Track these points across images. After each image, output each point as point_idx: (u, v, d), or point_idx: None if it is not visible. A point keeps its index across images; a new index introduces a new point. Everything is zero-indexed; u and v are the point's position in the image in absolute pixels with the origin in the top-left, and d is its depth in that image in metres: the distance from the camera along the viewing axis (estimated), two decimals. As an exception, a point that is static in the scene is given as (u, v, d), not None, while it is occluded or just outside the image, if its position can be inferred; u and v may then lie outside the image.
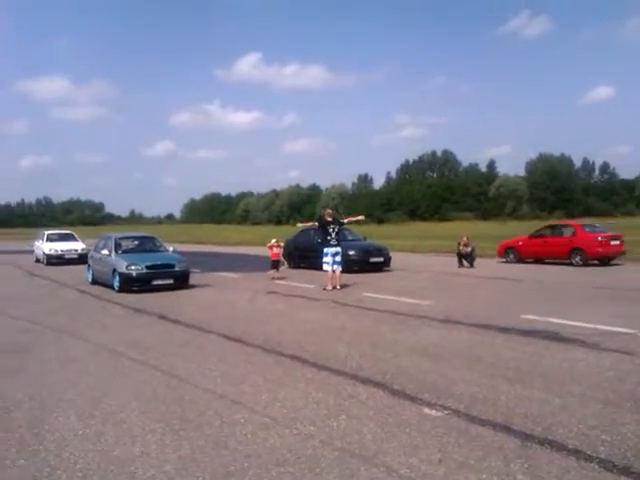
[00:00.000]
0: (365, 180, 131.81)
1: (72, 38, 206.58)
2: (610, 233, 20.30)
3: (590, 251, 19.12)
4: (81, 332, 9.00)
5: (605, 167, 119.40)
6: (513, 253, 21.48)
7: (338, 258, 14.14)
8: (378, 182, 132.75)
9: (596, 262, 19.39)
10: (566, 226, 22.03)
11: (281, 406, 5.09)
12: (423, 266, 20.60)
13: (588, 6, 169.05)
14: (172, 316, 10.37)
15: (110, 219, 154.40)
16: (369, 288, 13.82)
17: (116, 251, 15.19)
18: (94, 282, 16.08)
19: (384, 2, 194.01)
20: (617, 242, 19.58)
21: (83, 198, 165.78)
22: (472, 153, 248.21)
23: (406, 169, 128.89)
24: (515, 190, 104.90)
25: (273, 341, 7.89)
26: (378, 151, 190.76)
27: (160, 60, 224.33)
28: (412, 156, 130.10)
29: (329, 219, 14.38)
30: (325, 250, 14.15)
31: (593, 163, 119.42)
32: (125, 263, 14.25)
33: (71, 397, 5.52)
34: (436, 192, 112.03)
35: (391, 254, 19.53)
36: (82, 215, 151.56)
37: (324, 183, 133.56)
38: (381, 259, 18.87)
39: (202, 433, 4.46)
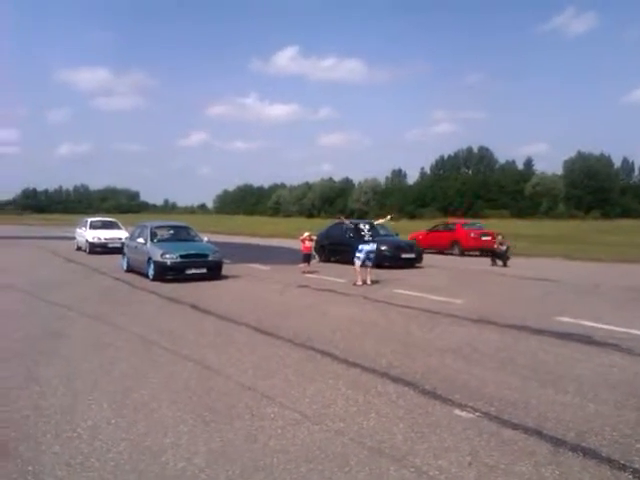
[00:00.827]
0: (399, 175, 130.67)
1: (113, 31, 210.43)
2: (483, 230, 25.27)
3: (464, 244, 24.37)
4: (114, 319, 9.17)
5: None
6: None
7: (372, 255, 14.18)
8: (412, 177, 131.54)
9: (477, 253, 23.97)
10: (451, 224, 27.32)
11: (311, 401, 5.10)
12: (455, 263, 20.40)
13: (636, 4, 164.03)
14: (203, 306, 10.48)
15: (145, 207, 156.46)
16: (399, 284, 13.74)
17: (151, 240, 15.34)
18: (129, 270, 16.30)
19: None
20: (488, 238, 23.25)
21: (119, 186, 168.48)
22: (509, 150, 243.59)
23: (441, 165, 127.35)
24: (551, 189, 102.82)
25: (303, 335, 7.91)
26: (413, 146, 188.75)
27: (199, 53, 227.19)
28: (447, 152, 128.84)
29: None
30: (360, 246, 14.15)
31: (633, 163, 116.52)
32: (160, 252, 14.38)
33: (104, 385, 5.63)
34: (470, 189, 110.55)
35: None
36: (118, 203, 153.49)
37: (357, 177, 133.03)
38: (413, 255, 18.85)
39: (232, 426, 4.50)
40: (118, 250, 22.14)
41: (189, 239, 16.31)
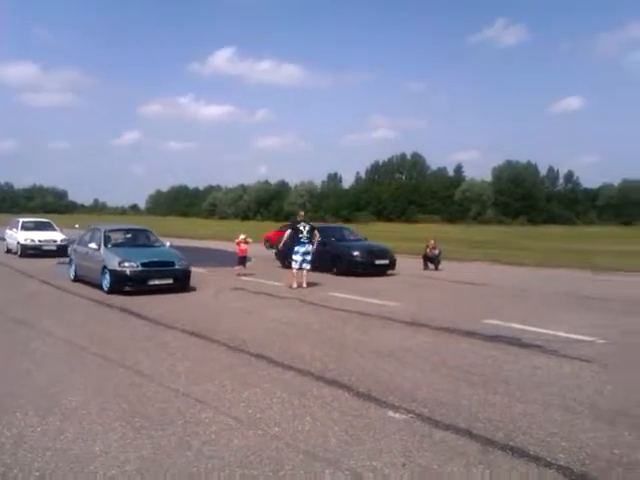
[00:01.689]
0: (335, 179, 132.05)
1: (48, 28, 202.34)
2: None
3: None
4: (42, 325, 8.78)
5: (569, 176, 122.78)
6: (268, 242, 29.04)
7: (309, 257, 14.03)
8: (348, 182, 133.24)
9: None
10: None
11: (246, 406, 5.04)
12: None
13: (565, 19, 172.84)
14: (135, 309, 10.20)
15: (73, 207, 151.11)
16: (334, 288, 13.83)
17: (105, 245, 13.27)
18: (77, 279, 14.29)
19: (362, 5, 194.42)
20: None
21: (46, 185, 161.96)
22: (443, 157, 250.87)
23: (375, 170, 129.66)
24: (480, 195, 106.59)
25: (238, 339, 7.82)
26: (350, 151, 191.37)
27: (134, 52, 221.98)
28: (383, 158, 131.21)
29: (299, 219, 14.37)
30: (296, 248, 13.99)
31: (558, 171, 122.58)
32: (117, 259, 12.39)
33: (30, 392, 5.37)
34: (403, 194, 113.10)
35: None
36: (44, 202, 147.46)
37: (293, 180, 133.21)
38: (386, 261, 17.53)
39: (165, 432, 4.39)
40: (52, 253, 21.19)
41: (149, 245, 14.31)
